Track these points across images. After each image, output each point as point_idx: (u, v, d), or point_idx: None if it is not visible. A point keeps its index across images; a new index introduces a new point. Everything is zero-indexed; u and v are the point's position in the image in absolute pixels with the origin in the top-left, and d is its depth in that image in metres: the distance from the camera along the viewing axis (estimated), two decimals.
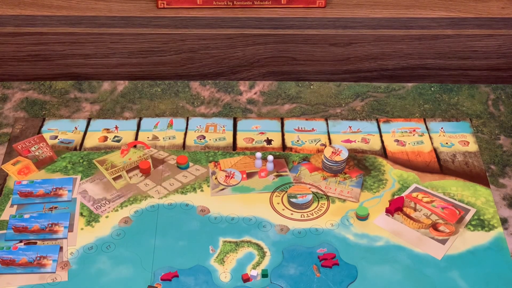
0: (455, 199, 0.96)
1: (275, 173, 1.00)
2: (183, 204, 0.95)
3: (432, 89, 1.16)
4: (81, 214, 0.94)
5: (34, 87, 1.15)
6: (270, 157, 1.00)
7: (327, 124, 1.09)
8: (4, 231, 0.91)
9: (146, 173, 1.00)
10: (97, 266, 0.87)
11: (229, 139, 1.06)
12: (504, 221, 0.93)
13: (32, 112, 1.11)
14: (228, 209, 0.95)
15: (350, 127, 1.08)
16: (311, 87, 1.16)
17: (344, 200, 0.96)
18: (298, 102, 1.13)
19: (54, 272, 0.86)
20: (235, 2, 1.11)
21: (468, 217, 0.93)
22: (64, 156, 1.03)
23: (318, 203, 0.96)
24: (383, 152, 1.04)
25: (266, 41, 1.12)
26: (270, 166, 1.00)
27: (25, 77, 1.16)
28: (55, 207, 0.95)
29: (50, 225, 0.92)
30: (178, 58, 1.15)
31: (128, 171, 1.00)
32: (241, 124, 1.09)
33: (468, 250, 0.89)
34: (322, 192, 0.97)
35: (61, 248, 0.89)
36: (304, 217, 0.94)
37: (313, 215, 0.94)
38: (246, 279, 0.85)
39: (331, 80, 1.17)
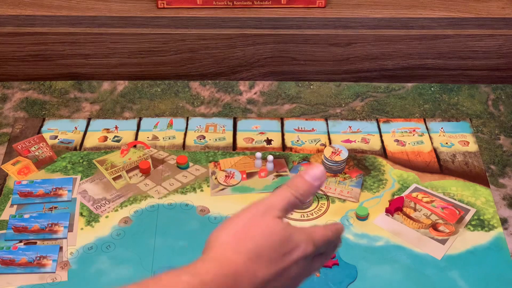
0: (455, 199, 0.96)
1: (275, 173, 1.00)
2: (183, 204, 0.95)
3: (432, 89, 1.16)
4: (81, 214, 0.94)
5: (34, 87, 1.16)
6: (270, 157, 1.00)
7: (327, 124, 1.09)
8: (4, 231, 0.91)
9: (146, 173, 1.00)
10: (97, 266, 0.87)
11: (229, 139, 1.06)
12: (504, 221, 0.93)
13: (32, 112, 1.11)
14: (228, 209, 0.95)
15: (350, 127, 1.08)
16: (311, 87, 1.16)
17: (344, 200, 0.96)
18: (298, 102, 1.13)
19: (54, 272, 0.86)
20: (235, 2, 1.11)
21: (468, 217, 0.93)
22: (64, 156, 1.03)
23: (318, 203, 0.96)
24: (383, 152, 1.04)
25: (266, 41, 1.12)
26: (270, 166, 1.00)
27: (25, 77, 1.16)
28: (55, 207, 0.95)
29: (50, 225, 0.92)
30: (178, 58, 1.15)
31: (128, 171, 1.00)
32: (241, 124, 1.09)
33: (468, 250, 0.89)
34: (322, 192, 0.97)
35: (61, 248, 0.89)
36: (304, 217, 0.94)
37: (313, 215, 0.94)
38: None
39: (331, 80, 1.17)
